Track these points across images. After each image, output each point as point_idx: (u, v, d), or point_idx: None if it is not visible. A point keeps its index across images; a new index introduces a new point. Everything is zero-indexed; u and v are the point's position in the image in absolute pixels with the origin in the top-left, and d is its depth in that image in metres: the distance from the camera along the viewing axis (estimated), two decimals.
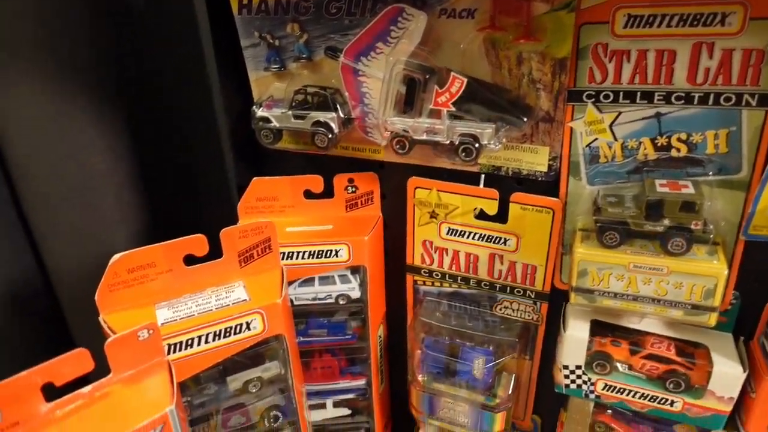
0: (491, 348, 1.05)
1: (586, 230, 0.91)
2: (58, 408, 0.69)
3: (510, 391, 1.08)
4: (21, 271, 1.14)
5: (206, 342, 0.82)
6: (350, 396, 1.24)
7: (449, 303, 1.11)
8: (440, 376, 1.10)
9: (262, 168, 1.14)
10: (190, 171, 1.28)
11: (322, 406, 1.23)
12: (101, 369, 0.73)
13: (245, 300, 0.85)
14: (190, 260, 0.88)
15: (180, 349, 0.80)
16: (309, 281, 1.08)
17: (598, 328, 0.95)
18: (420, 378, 1.12)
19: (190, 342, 0.81)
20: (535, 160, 0.93)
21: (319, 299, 1.09)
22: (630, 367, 0.94)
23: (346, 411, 1.25)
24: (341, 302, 1.09)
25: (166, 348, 0.79)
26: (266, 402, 0.93)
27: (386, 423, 1.31)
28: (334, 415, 1.24)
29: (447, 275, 1.09)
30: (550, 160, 0.92)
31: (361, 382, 1.20)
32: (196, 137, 1.22)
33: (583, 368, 0.95)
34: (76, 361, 0.70)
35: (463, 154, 0.91)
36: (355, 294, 1.09)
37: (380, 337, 1.18)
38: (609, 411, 1.01)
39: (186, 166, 1.27)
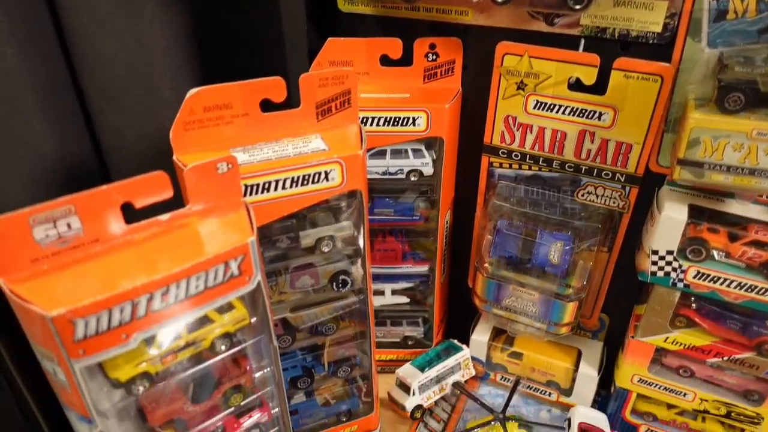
0: (570, 234, 1.00)
1: (700, 99, 0.81)
2: (135, 231, 0.66)
3: (584, 282, 1.03)
4: (77, 152, 1.11)
5: (283, 188, 0.78)
6: (410, 284, 1.20)
7: (526, 188, 1.05)
8: (511, 261, 1.04)
9: (335, 33, 1.07)
10: (251, 42, 1.21)
11: (381, 292, 1.20)
12: None
13: (324, 149, 0.80)
14: (265, 107, 0.83)
15: (257, 192, 0.76)
16: (380, 153, 1.02)
17: (695, 213, 0.88)
18: (488, 264, 1.07)
19: (267, 186, 0.77)
20: (649, 18, 0.83)
21: (390, 173, 1.04)
22: (728, 255, 0.87)
23: (405, 299, 1.22)
24: (412, 178, 1.04)
25: (243, 189, 0.75)
26: (335, 266, 0.90)
27: (443, 316, 1.28)
28: (392, 302, 1.22)
29: (528, 156, 1.02)
30: (666, 17, 0.82)
31: (423, 269, 1.16)
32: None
33: (675, 254, 0.89)
34: (155, 183, 0.66)
35: None
36: (428, 170, 1.03)
37: (447, 222, 1.13)
38: (693, 305, 0.95)
39: (245, 39, 1.20)
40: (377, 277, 1.16)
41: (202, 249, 0.66)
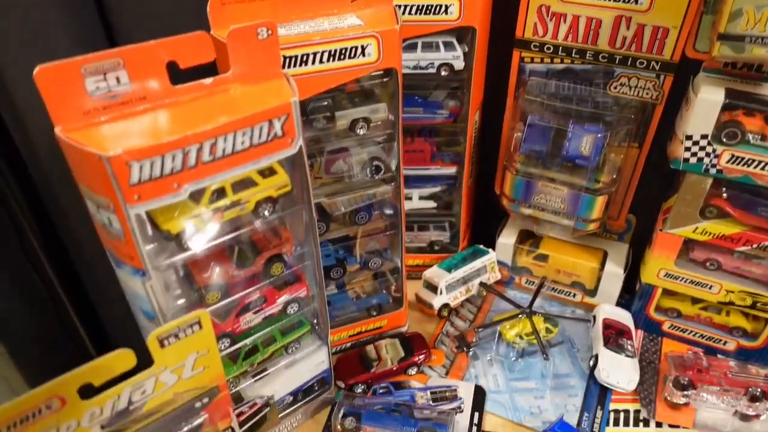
0: (602, 125, 0.99)
1: None
2: (180, 93, 0.67)
3: (614, 176, 1.04)
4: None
5: (320, 62, 0.78)
6: (437, 188, 1.22)
7: (558, 83, 1.04)
8: (541, 156, 1.05)
9: None
10: None
11: (408, 197, 1.21)
12: None
13: (360, 24, 0.80)
14: None
15: (294, 65, 0.77)
16: (411, 47, 1.02)
17: (732, 96, 0.87)
18: (517, 161, 1.08)
19: (304, 58, 0.77)
20: None
21: (421, 68, 1.03)
22: (763, 138, 0.87)
23: (432, 204, 1.24)
24: (443, 73, 1.03)
25: (282, 60, 0.75)
26: (369, 151, 0.91)
27: (469, 221, 1.30)
28: (419, 207, 1.23)
29: (560, 48, 1.01)
30: None
31: (451, 171, 1.17)
32: None
33: (709, 138, 0.88)
34: (198, 43, 0.67)
35: None
36: (459, 64, 1.02)
37: (476, 123, 1.13)
38: (724, 194, 0.96)
39: None
40: (404, 181, 1.17)
41: (246, 110, 0.67)
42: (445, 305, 1.18)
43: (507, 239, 1.22)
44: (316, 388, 1.00)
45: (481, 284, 1.20)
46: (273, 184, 0.72)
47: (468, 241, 1.31)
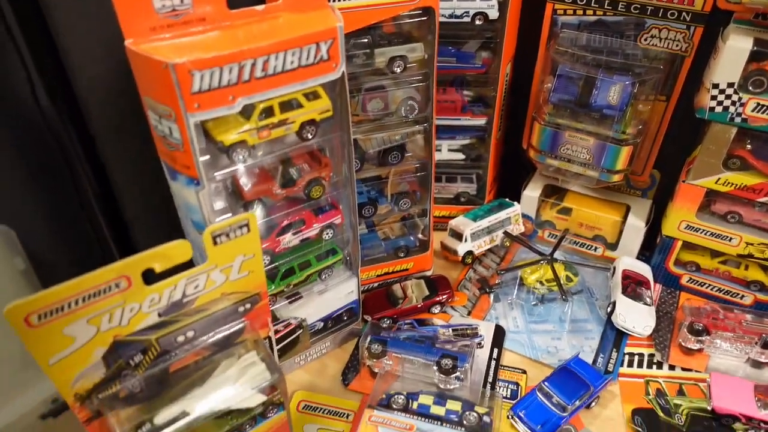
0: (630, 75, 1.02)
1: None
2: (235, 17, 0.73)
3: (640, 127, 1.07)
4: None
5: None
6: (466, 140, 1.26)
7: (589, 35, 1.07)
8: (569, 106, 1.08)
9: None
10: None
11: (437, 148, 1.26)
12: None
13: None
14: None
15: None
16: None
17: (760, 44, 0.89)
18: (546, 113, 1.11)
19: None
20: None
21: (456, 16, 1.07)
22: None
23: (460, 156, 1.28)
24: (477, 22, 1.07)
25: None
26: (405, 91, 0.96)
27: (496, 174, 1.34)
28: (448, 158, 1.28)
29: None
30: None
31: (481, 122, 1.22)
32: None
33: (735, 86, 0.91)
34: None
35: None
36: (494, 13, 1.06)
37: (507, 75, 1.17)
38: (748, 145, 0.98)
39: None
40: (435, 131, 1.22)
41: (295, 34, 0.73)
42: (469, 252, 1.23)
43: (532, 192, 1.26)
44: (345, 318, 1.06)
45: (505, 233, 1.24)
46: (316, 107, 0.78)
47: (494, 194, 1.36)
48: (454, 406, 0.86)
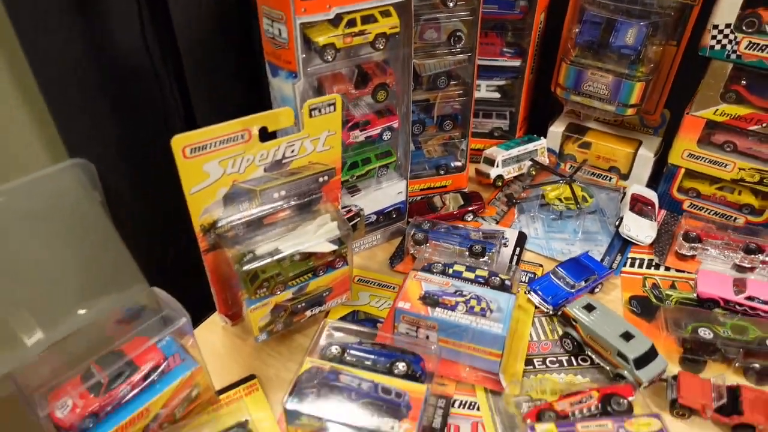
0: (647, 22, 1.21)
1: None
2: None
3: (652, 66, 1.25)
4: None
5: None
6: (502, 81, 1.46)
7: None
8: (592, 47, 1.27)
9: None
10: None
11: (477, 88, 1.46)
12: None
13: None
14: None
15: None
16: None
17: None
18: (573, 54, 1.31)
19: None
20: None
21: None
22: None
23: (497, 94, 1.48)
24: None
25: None
26: (454, 24, 1.17)
27: (527, 113, 1.54)
28: (486, 96, 1.48)
29: None
30: None
31: (516, 63, 1.41)
32: None
33: (731, 27, 1.09)
34: None
35: None
36: None
37: (541, 23, 1.36)
38: (743, 81, 1.16)
39: None
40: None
41: None
42: (500, 176, 1.44)
43: (557, 128, 1.46)
44: (394, 215, 1.29)
45: (532, 160, 1.45)
46: (388, 23, 1.00)
47: (524, 131, 1.55)
48: (482, 273, 1.07)
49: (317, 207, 1.04)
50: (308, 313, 1.06)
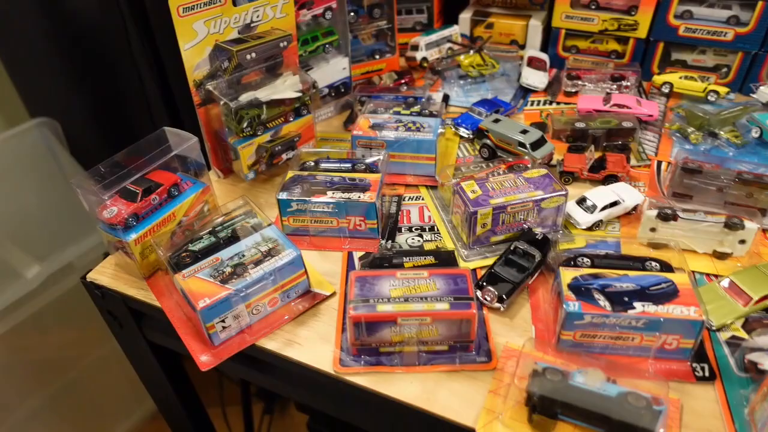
0: None
1: None
2: None
3: None
4: None
5: None
6: None
7: None
8: None
9: None
10: None
11: None
12: None
13: None
14: None
15: None
16: None
17: None
18: None
19: None
20: None
21: None
22: None
23: None
24: None
25: None
26: None
27: (442, 7, 1.86)
28: None
29: None
30: None
31: None
32: None
33: None
34: None
35: None
36: None
37: None
38: None
39: None
40: None
41: None
42: (424, 58, 1.75)
43: (466, 15, 1.79)
44: (342, 89, 1.58)
45: (448, 40, 1.77)
46: None
47: (441, 22, 1.88)
48: (416, 109, 1.38)
49: (280, 70, 1.32)
50: (284, 156, 1.34)
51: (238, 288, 0.93)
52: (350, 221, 1.13)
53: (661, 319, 0.84)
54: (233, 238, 1.03)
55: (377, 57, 1.69)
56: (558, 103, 1.57)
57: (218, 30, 1.17)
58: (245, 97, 1.23)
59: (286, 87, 1.28)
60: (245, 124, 1.23)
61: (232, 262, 0.98)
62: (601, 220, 1.14)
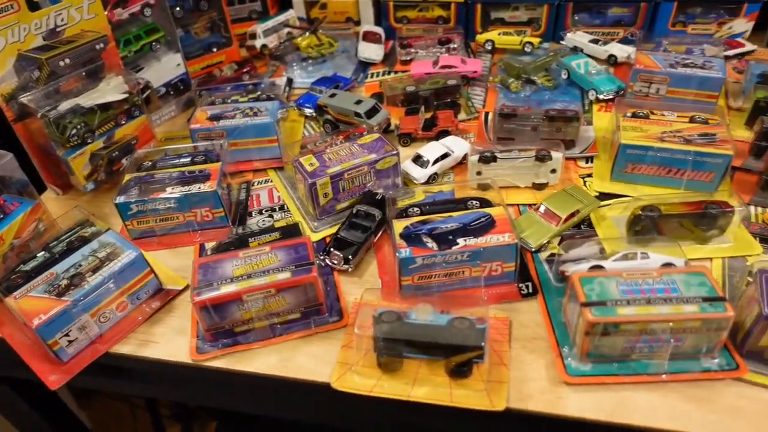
0: None
1: None
2: None
3: None
4: None
5: None
6: None
7: None
8: None
9: None
10: None
11: None
12: None
13: None
14: None
15: None
16: None
17: None
18: None
19: None
20: None
21: None
22: None
23: None
24: None
25: None
26: None
27: None
28: None
29: None
30: None
31: None
32: None
33: None
34: None
35: None
36: None
37: None
38: None
39: None
40: None
41: None
42: (264, 45, 1.76)
43: None
44: (181, 87, 1.55)
45: (286, 25, 1.79)
46: None
47: (276, 9, 1.89)
48: (254, 96, 1.40)
49: (103, 73, 1.28)
50: (124, 161, 1.30)
51: (76, 298, 0.91)
52: (196, 214, 1.13)
53: (481, 249, 0.93)
54: (69, 251, 1.00)
55: (215, 50, 1.67)
56: (396, 72, 1.65)
57: (18, 39, 1.11)
58: (65, 106, 1.18)
59: (110, 90, 1.24)
60: (70, 134, 1.18)
61: (68, 274, 0.95)
62: (436, 173, 1.22)
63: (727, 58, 1.54)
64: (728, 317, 0.78)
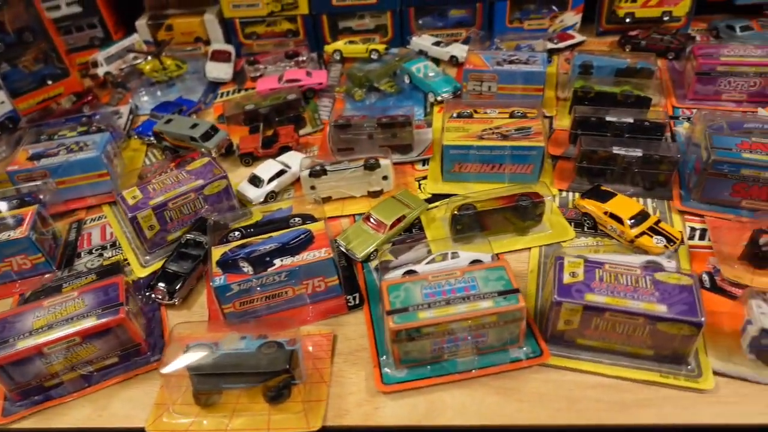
0: None
1: None
2: None
3: None
4: None
5: None
6: None
7: None
8: None
9: None
10: None
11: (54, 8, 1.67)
12: None
13: None
14: None
15: None
16: None
17: None
18: None
19: None
20: None
21: None
22: None
23: (76, 8, 1.70)
24: None
25: None
26: None
27: (117, 19, 1.79)
28: (67, 12, 1.69)
29: None
30: None
31: None
32: None
33: None
34: None
35: None
36: None
37: None
38: None
39: None
40: None
41: None
42: (109, 73, 1.68)
43: (142, 21, 1.75)
44: (10, 125, 1.45)
45: (131, 50, 1.72)
46: None
47: (121, 34, 1.81)
48: (83, 129, 1.33)
49: None
50: None
51: None
52: (11, 263, 1.06)
53: (297, 267, 0.92)
54: None
55: (50, 82, 1.58)
56: (246, 90, 1.62)
57: None
58: None
59: None
60: None
61: None
62: (273, 191, 1.21)
63: (560, 50, 1.62)
64: (520, 308, 0.81)
